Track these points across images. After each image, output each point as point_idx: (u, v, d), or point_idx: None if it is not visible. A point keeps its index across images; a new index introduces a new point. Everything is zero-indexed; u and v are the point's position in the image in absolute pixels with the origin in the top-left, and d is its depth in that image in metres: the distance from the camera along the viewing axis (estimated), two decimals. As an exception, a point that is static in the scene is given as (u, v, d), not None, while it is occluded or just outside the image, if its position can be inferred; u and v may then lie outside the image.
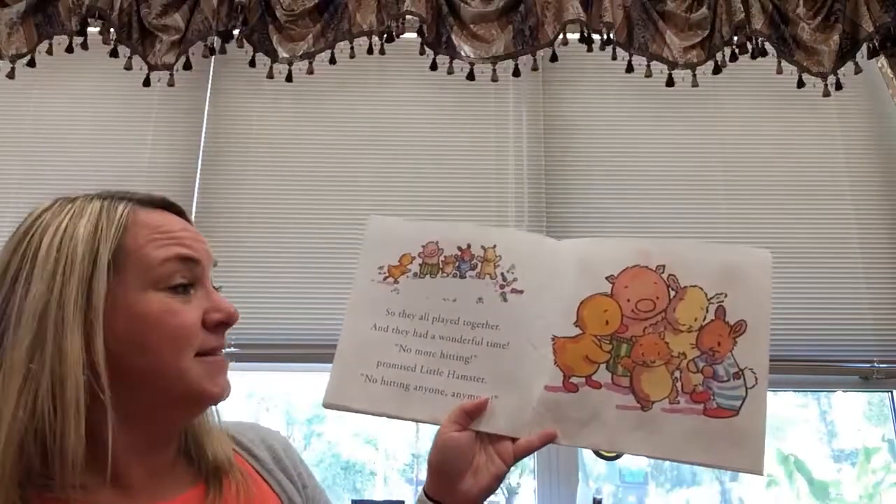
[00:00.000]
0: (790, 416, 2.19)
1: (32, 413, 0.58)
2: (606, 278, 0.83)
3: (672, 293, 0.82)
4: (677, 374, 0.79)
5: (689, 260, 0.83)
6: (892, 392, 1.84)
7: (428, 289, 0.86)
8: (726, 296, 0.81)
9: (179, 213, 0.72)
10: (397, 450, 2.11)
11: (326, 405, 0.83)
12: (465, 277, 0.86)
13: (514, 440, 0.78)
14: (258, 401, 2.12)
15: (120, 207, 0.66)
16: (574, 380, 0.80)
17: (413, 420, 0.83)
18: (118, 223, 0.65)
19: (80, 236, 0.63)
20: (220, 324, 0.67)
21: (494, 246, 0.87)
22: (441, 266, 0.87)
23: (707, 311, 0.81)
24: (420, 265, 0.87)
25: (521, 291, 0.84)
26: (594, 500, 1.68)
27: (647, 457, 0.79)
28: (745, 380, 0.78)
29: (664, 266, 0.83)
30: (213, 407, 0.71)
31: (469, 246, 0.87)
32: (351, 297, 0.88)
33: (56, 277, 0.61)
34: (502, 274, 0.85)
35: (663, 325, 0.81)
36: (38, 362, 0.59)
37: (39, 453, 0.59)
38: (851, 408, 2.18)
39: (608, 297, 0.83)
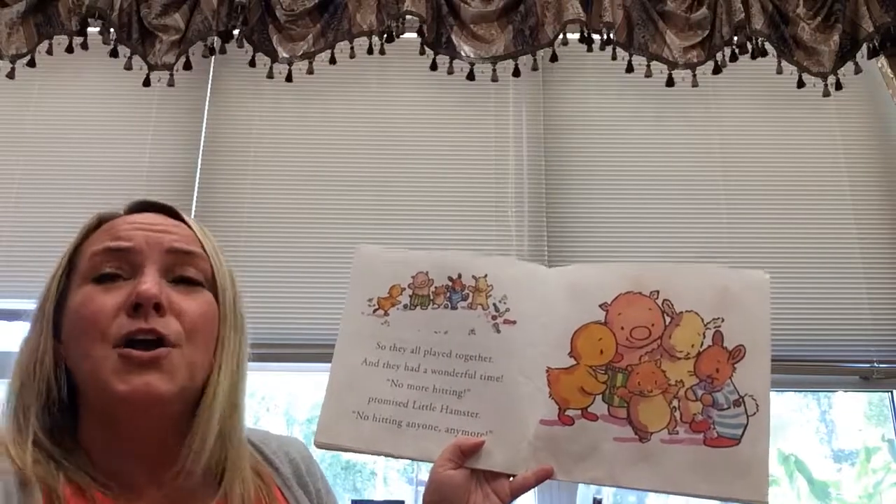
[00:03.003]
0: (790, 416, 2.19)
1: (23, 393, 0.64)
2: (600, 306, 0.81)
3: (667, 319, 0.80)
4: (675, 402, 0.77)
5: (683, 284, 0.81)
6: (892, 392, 1.84)
7: (419, 321, 0.84)
8: (723, 320, 0.79)
9: (162, 210, 0.72)
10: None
11: (318, 445, 0.81)
12: (456, 308, 0.84)
13: (510, 476, 0.77)
14: (258, 401, 2.12)
15: (90, 220, 0.70)
16: (570, 412, 0.78)
17: (407, 458, 0.81)
18: (84, 230, 0.69)
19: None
20: (134, 306, 0.62)
21: (486, 275, 0.85)
22: (432, 297, 0.85)
23: (704, 336, 0.79)
24: (410, 296, 0.85)
25: (514, 322, 0.82)
26: (594, 500, 1.67)
27: (648, 490, 0.77)
28: (745, 407, 0.76)
29: (658, 291, 0.81)
30: (211, 423, 0.66)
31: (460, 276, 0.85)
32: (340, 330, 0.86)
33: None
34: (494, 304, 0.83)
35: (659, 353, 0.79)
36: (32, 350, 0.65)
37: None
38: (852, 408, 2.18)
39: (602, 326, 0.81)
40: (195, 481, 0.66)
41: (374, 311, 0.86)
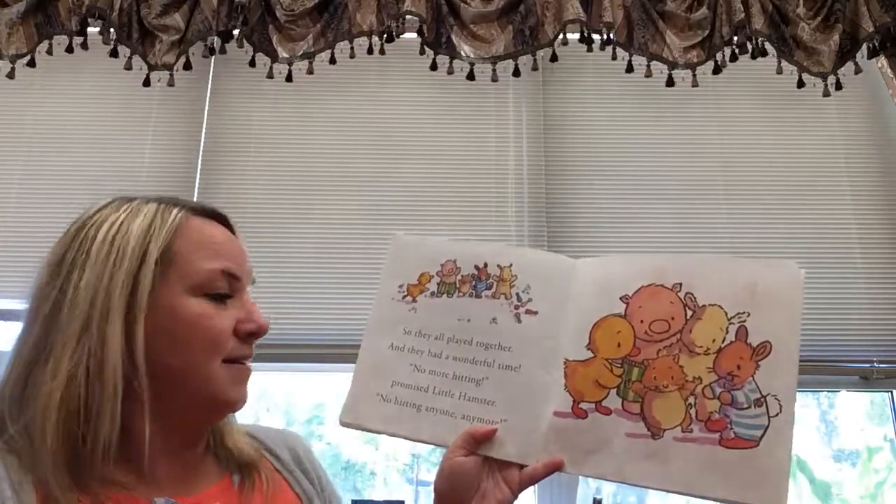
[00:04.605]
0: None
1: (75, 396, 0.61)
2: (621, 298, 0.79)
3: (689, 313, 0.77)
4: (692, 400, 0.74)
5: (708, 277, 0.78)
6: (892, 392, 1.84)
7: (444, 308, 0.85)
8: (749, 315, 0.75)
9: (228, 225, 0.75)
10: (397, 450, 2.11)
11: (343, 423, 0.83)
12: (480, 297, 0.84)
13: (521, 466, 0.76)
14: (258, 400, 2.12)
15: (174, 211, 0.69)
16: (584, 405, 0.77)
17: (423, 442, 0.82)
18: (171, 225, 0.68)
19: (133, 232, 0.66)
20: (250, 334, 0.69)
21: (510, 265, 0.85)
22: (458, 285, 0.85)
23: (727, 331, 0.75)
24: (438, 284, 0.86)
25: (536, 313, 0.82)
26: (594, 500, 1.67)
27: (657, 489, 0.74)
28: (767, 407, 0.72)
29: (681, 284, 0.78)
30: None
31: (486, 265, 0.86)
32: (371, 315, 0.87)
33: (106, 268, 0.64)
34: (517, 294, 0.83)
35: (678, 348, 0.76)
36: (83, 346, 0.62)
37: (76, 438, 0.61)
38: (853, 408, 2.18)
39: (621, 318, 0.79)
40: (200, 459, 0.71)
41: (404, 297, 0.87)
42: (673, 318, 0.78)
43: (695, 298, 0.78)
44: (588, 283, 0.82)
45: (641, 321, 0.78)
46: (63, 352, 0.62)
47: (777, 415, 0.72)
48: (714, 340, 0.76)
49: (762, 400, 0.72)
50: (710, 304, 0.77)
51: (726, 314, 0.76)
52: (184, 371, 0.65)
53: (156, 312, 0.64)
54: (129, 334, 0.63)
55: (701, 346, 0.76)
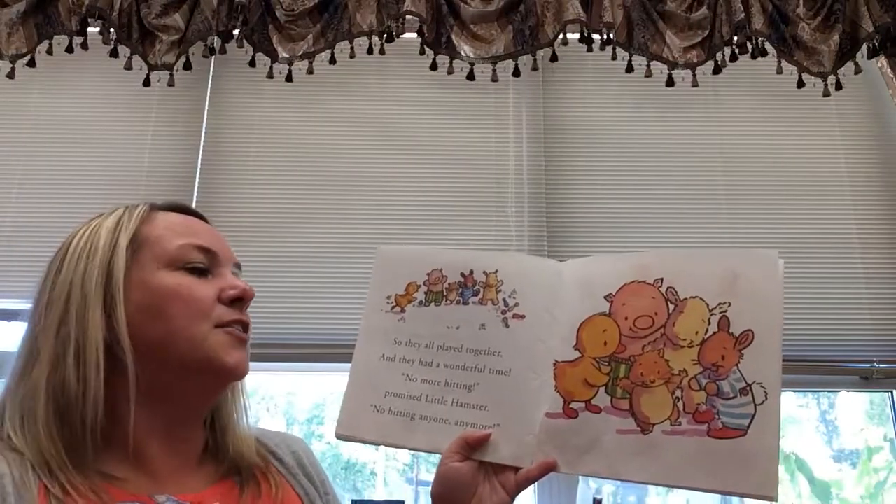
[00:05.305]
0: (791, 415, 2.19)
1: (61, 381, 0.64)
2: (605, 297, 0.81)
3: (671, 307, 0.78)
4: (678, 393, 0.74)
5: (688, 270, 0.79)
6: (892, 392, 1.84)
7: (433, 317, 0.86)
8: (730, 305, 0.76)
9: (201, 218, 0.77)
10: (397, 450, 2.11)
11: (339, 436, 0.84)
12: (467, 304, 0.85)
13: (517, 469, 0.77)
14: (258, 401, 2.12)
15: (140, 207, 0.74)
16: (574, 405, 0.77)
17: (418, 450, 0.83)
18: (137, 216, 0.72)
19: (103, 229, 0.71)
20: (235, 299, 0.70)
21: (496, 271, 0.86)
22: (445, 293, 0.87)
23: (709, 322, 0.76)
24: (425, 293, 0.87)
25: (523, 317, 0.83)
26: (594, 500, 1.67)
27: (650, 483, 0.74)
28: (753, 396, 0.72)
29: (662, 279, 0.79)
30: (242, 410, 0.76)
31: (472, 272, 0.87)
32: (361, 327, 0.88)
33: (80, 263, 0.68)
34: (504, 299, 0.84)
35: (662, 342, 0.77)
36: (64, 335, 0.65)
37: (71, 424, 0.63)
38: (853, 408, 2.18)
39: (606, 317, 0.80)
40: (199, 460, 0.72)
41: (392, 308, 0.88)
42: (656, 314, 0.78)
43: (676, 292, 0.79)
44: (573, 285, 0.83)
45: (626, 318, 0.79)
46: (47, 343, 0.65)
47: (763, 402, 0.72)
48: (697, 332, 0.76)
49: (748, 388, 0.73)
50: (691, 297, 0.78)
51: (707, 305, 0.77)
52: (168, 338, 0.66)
53: (134, 293, 0.67)
54: (111, 317, 0.66)
55: (685, 339, 0.76)
